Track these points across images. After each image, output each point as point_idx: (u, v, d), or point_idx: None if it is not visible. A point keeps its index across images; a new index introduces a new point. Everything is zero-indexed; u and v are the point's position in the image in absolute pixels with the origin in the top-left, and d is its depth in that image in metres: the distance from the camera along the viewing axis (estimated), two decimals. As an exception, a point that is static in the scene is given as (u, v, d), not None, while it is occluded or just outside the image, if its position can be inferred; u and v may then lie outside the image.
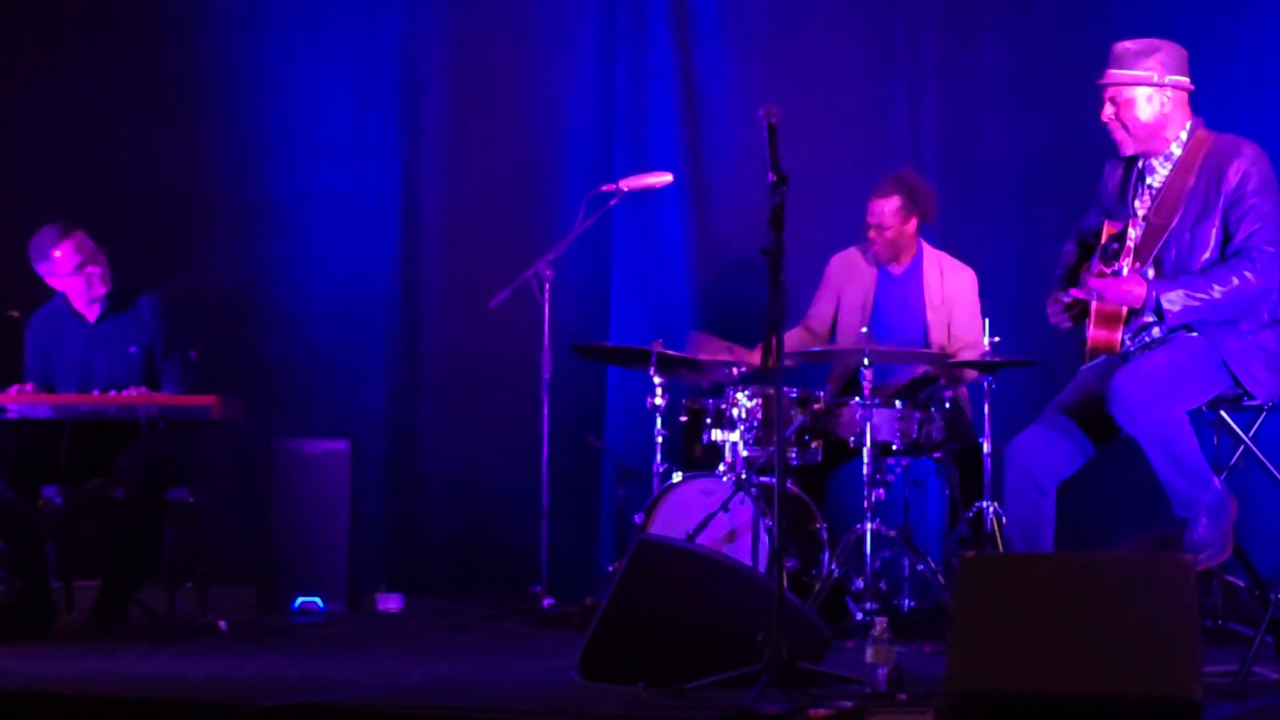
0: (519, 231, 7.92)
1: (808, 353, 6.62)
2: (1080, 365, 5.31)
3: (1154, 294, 5.07)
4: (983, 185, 7.44)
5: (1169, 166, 5.24)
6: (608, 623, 4.92)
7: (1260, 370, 5.11)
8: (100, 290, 6.54)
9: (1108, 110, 5.23)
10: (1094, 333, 5.18)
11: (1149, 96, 5.19)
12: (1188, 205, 5.17)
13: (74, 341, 6.57)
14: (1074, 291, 5.24)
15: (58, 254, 6.44)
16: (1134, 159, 5.31)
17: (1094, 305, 5.18)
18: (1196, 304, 5.06)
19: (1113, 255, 5.18)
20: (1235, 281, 5.06)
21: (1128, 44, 5.25)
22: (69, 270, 6.47)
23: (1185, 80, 5.23)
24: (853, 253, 6.99)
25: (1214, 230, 5.15)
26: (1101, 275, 5.15)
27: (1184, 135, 5.24)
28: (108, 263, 6.55)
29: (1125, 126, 5.21)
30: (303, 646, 6.13)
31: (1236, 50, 6.99)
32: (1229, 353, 5.08)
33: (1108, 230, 5.25)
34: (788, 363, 6.46)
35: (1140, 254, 5.18)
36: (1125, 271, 5.13)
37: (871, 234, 6.84)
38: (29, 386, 6.36)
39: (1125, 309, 5.13)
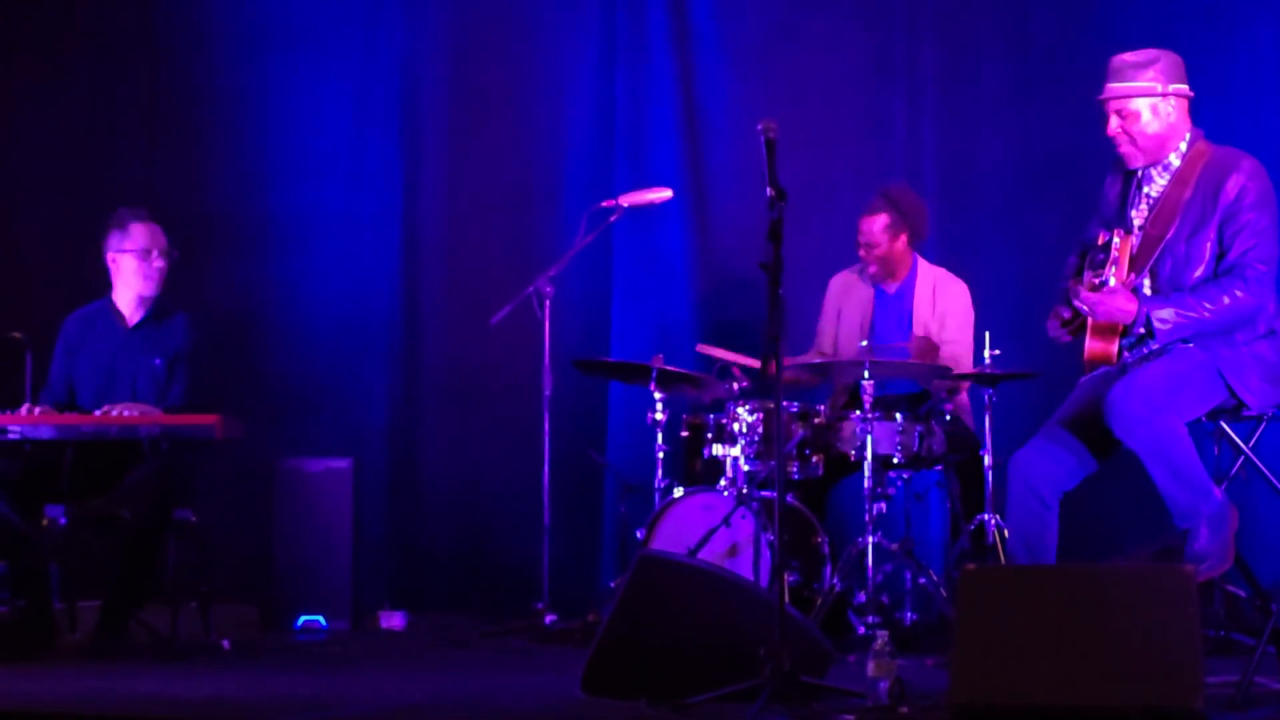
0: (519, 248, 7.93)
1: (807, 364, 6.62)
2: (1079, 377, 5.31)
3: (1144, 310, 5.07)
4: (981, 197, 7.45)
5: (1167, 177, 5.23)
6: (610, 638, 4.91)
7: (1255, 381, 5.10)
8: (151, 289, 6.51)
9: (1113, 124, 5.20)
10: (1091, 344, 5.18)
11: (1154, 107, 5.18)
12: (1184, 217, 5.16)
13: (105, 346, 6.53)
14: (1065, 311, 5.25)
15: (136, 227, 6.46)
16: (1132, 170, 5.30)
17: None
18: (1187, 321, 5.06)
19: (1099, 263, 5.17)
20: (1226, 300, 5.06)
21: (1126, 56, 5.23)
22: (138, 247, 6.47)
23: (1185, 88, 5.23)
24: (849, 274, 7.00)
25: (1209, 243, 5.14)
26: (1092, 287, 5.14)
27: (1183, 146, 5.23)
28: (167, 273, 6.55)
29: (1133, 139, 5.19)
30: (306, 665, 6.13)
31: (1235, 60, 7.00)
32: (1224, 364, 5.07)
33: (1100, 239, 5.25)
34: (788, 375, 6.48)
35: (1136, 264, 5.17)
36: (1112, 280, 5.12)
37: (863, 253, 6.84)
38: (38, 409, 6.31)
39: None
